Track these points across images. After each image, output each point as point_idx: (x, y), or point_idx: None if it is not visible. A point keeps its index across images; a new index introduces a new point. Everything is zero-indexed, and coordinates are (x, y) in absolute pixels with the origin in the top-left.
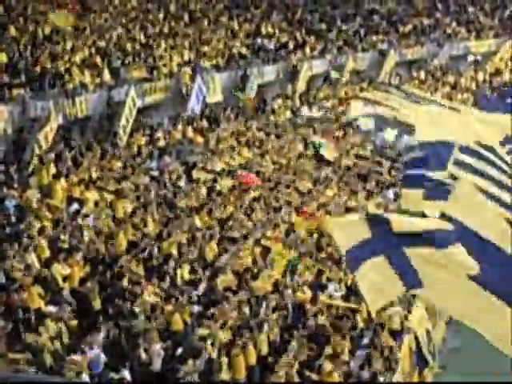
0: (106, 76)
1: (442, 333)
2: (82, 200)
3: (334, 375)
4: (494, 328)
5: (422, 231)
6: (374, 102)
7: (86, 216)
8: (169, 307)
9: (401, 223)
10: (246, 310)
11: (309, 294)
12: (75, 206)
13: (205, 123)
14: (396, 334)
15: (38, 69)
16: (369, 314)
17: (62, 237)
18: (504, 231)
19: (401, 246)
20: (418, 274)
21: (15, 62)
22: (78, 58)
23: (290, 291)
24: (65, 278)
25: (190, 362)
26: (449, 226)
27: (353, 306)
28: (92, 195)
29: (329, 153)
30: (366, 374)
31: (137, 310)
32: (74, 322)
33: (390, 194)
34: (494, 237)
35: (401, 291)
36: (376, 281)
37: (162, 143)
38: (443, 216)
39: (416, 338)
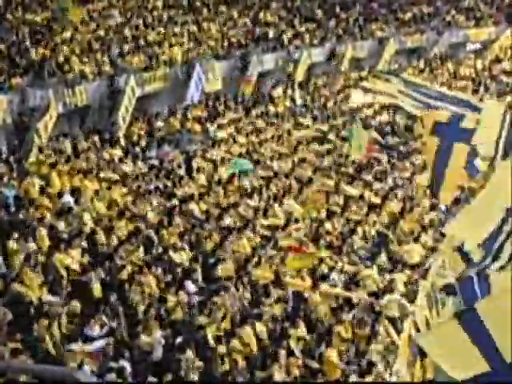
0: (106, 65)
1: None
2: (81, 189)
3: (334, 363)
4: None
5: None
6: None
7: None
8: (169, 296)
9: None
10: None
11: (309, 281)
12: (70, 197)
13: (204, 112)
14: (395, 322)
15: (37, 58)
16: (371, 303)
17: (62, 226)
18: None
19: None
20: None
21: (14, 50)
22: (77, 47)
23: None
24: (66, 268)
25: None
26: None
27: (353, 294)
28: (91, 184)
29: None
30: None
31: (136, 298)
32: (74, 311)
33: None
34: None
35: None
36: None
37: (161, 132)
38: None
39: (416, 325)
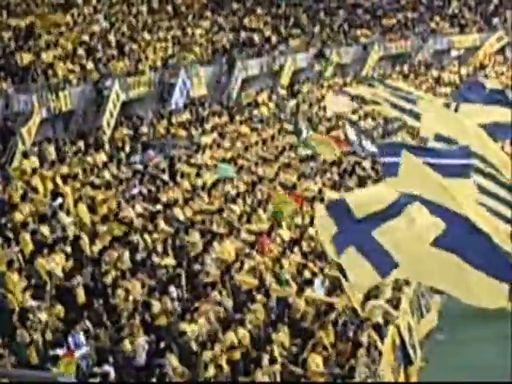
0: (91, 70)
1: (430, 327)
2: (64, 194)
3: (318, 369)
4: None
5: (382, 208)
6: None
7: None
8: (153, 301)
9: (360, 205)
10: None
11: (294, 287)
12: (59, 200)
13: (189, 117)
14: (379, 328)
15: (21, 62)
16: (353, 308)
17: (45, 231)
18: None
19: (368, 231)
20: (390, 255)
21: None
22: (61, 52)
23: (274, 285)
24: (49, 273)
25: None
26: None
27: (335, 300)
28: (74, 189)
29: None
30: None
31: (120, 304)
32: (58, 317)
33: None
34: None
35: (376, 280)
36: (352, 273)
37: (145, 137)
38: None
39: (399, 331)
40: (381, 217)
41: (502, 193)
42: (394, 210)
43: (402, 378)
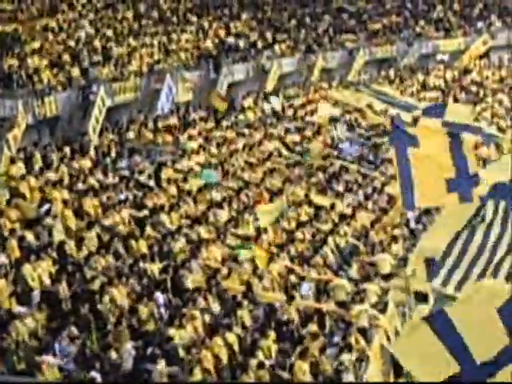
0: (76, 76)
1: None
2: (51, 200)
3: (305, 374)
4: None
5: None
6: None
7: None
8: (140, 307)
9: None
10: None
11: (281, 295)
12: (46, 206)
13: (175, 122)
14: (365, 332)
15: (6, 68)
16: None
17: (32, 237)
18: None
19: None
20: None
21: None
22: (46, 58)
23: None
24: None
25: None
26: None
27: (324, 306)
28: (61, 195)
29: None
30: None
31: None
32: (44, 323)
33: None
34: None
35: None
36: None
37: (131, 143)
38: None
39: (387, 335)
40: None
41: None
42: None
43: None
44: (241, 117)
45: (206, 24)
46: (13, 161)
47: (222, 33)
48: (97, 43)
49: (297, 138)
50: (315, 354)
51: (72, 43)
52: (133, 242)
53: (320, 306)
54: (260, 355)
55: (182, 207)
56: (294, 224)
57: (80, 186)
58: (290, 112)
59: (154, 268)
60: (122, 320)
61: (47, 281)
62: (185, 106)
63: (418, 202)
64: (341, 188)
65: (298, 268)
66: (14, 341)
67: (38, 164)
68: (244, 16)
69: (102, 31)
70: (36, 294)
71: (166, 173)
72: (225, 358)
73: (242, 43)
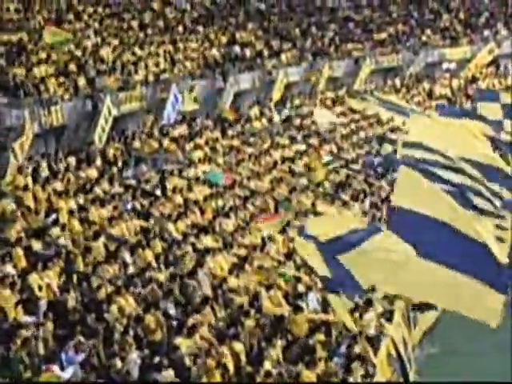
0: (82, 85)
1: (418, 339)
2: (58, 209)
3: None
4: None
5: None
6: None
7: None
8: (147, 316)
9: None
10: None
11: (286, 307)
12: (53, 215)
13: (181, 131)
14: (373, 340)
15: (13, 77)
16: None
17: (39, 246)
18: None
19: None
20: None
21: None
22: (53, 67)
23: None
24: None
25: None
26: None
27: (331, 318)
28: (67, 204)
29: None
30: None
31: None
32: (51, 332)
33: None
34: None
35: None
36: None
37: (137, 152)
38: None
39: (394, 343)
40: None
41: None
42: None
43: None
44: (247, 126)
45: (211, 34)
46: (20, 170)
47: (227, 42)
48: (103, 53)
49: (303, 147)
50: (322, 363)
51: (78, 52)
52: (140, 251)
53: (326, 318)
54: (267, 364)
55: (189, 216)
56: None
57: (87, 195)
58: (296, 121)
59: (161, 277)
60: (129, 329)
61: (55, 289)
62: (191, 115)
63: None
64: (347, 197)
65: (305, 277)
66: (22, 350)
67: (44, 173)
68: (250, 25)
69: (107, 41)
70: (43, 304)
71: (172, 182)
72: (231, 367)
73: (248, 52)
